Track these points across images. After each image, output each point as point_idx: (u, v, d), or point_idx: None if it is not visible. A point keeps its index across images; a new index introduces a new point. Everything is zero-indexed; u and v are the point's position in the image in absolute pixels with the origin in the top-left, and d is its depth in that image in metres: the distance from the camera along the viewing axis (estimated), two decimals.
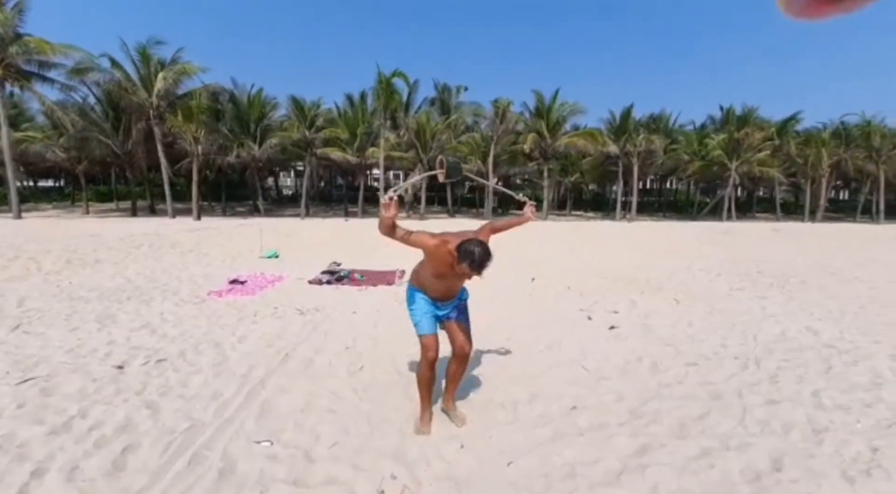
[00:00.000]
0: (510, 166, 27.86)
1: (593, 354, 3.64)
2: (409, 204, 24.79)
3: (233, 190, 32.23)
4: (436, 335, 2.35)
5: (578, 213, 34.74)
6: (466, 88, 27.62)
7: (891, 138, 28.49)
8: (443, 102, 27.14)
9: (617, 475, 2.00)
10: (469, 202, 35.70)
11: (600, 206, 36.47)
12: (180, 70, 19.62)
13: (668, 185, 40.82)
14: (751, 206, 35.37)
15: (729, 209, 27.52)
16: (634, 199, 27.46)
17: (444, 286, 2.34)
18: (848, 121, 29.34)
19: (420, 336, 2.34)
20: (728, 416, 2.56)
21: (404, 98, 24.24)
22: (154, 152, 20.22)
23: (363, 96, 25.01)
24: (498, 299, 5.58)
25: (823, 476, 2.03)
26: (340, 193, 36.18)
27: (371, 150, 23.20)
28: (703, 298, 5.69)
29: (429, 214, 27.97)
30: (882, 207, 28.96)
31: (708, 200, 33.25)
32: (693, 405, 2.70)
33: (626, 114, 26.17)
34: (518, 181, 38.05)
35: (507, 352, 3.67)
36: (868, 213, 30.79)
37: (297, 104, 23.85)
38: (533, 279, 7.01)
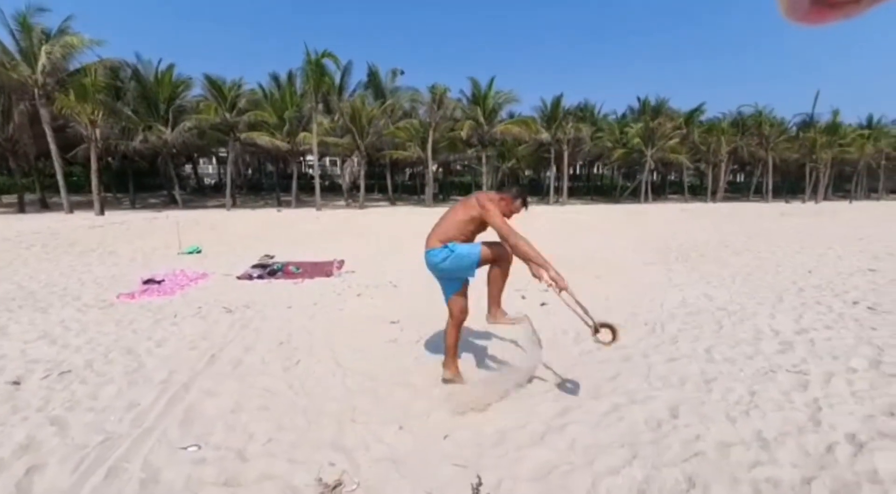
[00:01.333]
0: (449, 153, 28.02)
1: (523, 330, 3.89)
2: (347, 192, 23.95)
3: (143, 179, 28.82)
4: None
5: None
6: (403, 72, 27.04)
7: (778, 127, 33.08)
8: (377, 85, 26.36)
9: (541, 436, 2.21)
10: (409, 190, 35.45)
11: (536, 191, 38.13)
12: (68, 43, 16.92)
13: (595, 170, 43.72)
14: (664, 189, 39.18)
15: (646, 192, 30.28)
16: (565, 184, 29.12)
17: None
18: (744, 111, 33.49)
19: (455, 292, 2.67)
20: (635, 374, 2.92)
21: (336, 81, 23.16)
22: (43, 138, 17.39)
23: (291, 78, 23.47)
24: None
25: (711, 419, 2.40)
26: (271, 181, 34.01)
27: (303, 135, 21.98)
28: (621, 272, 6.29)
29: (368, 202, 27.37)
30: (770, 187, 33.68)
31: (629, 184, 36.21)
32: (607, 368, 3.03)
33: (557, 103, 27.44)
34: (458, 167, 38.47)
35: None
36: (759, 193, 35.62)
37: (214, 84, 21.75)
38: None
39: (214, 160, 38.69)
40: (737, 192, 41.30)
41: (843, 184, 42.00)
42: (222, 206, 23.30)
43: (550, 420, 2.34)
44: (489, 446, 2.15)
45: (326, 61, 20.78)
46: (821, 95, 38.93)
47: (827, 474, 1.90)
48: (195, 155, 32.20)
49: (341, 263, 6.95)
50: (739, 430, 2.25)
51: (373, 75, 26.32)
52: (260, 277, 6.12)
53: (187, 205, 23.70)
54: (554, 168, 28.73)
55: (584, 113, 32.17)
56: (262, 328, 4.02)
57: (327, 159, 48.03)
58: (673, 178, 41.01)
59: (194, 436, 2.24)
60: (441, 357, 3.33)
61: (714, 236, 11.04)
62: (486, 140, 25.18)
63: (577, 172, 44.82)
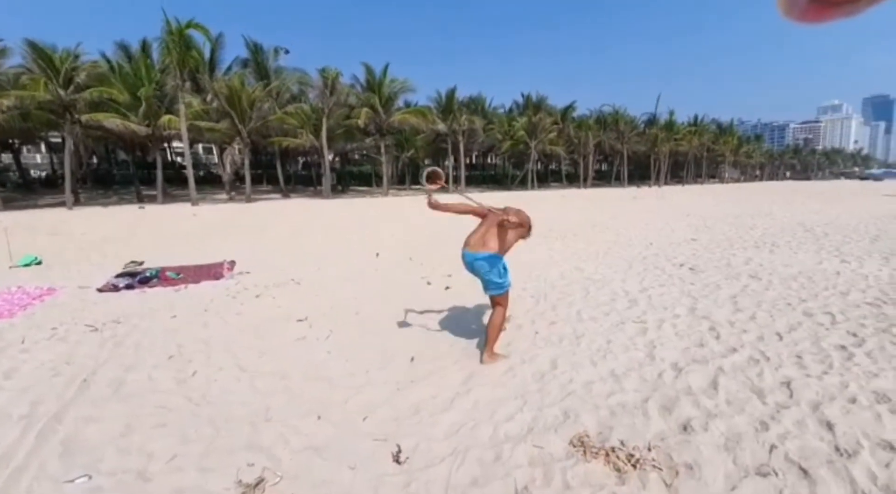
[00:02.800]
0: (346, 141, 27.07)
1: (431, 313, 4.18)
2: (229, 184, 21.49)
3: None
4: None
5: (417, 187, 36.56)
6: (287, 51, 24.98)
7: (630, 124, 39.30)
8: (260, 65, 23.95)
9: (450, 401, 2.51)
10: (305, 180, 33.33)
11: None
12: None
13: (489, 160, 46.61)
14: (547, 177, 43.77)
15: (532, 181, 33.48)
16: (462, 173, 30.53)
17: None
18: (605, 110, 38.96)
19: (508, 290, 3.13)
20: (523, 338, 3.43)
21: (206, 56, 20.40)
22: None
23: (145, 48, 19.97)
24: (345, 278, 5.67)
25: (580, 365, 2.97)
26: (126, 172, 28.75)
27: (167, 118, 18.97)
28: (510, 253, 7.02)
29: (257, 195, 25.06)
30: (626, 175, 40.02)
31: (518, 173, 39.53)
32: (503, 336, 3.48)
33: (451, 95, 28.44)
34: (356, 157, 37.37)
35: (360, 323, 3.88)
36: (619, 179, 42.03)
37: (41, 54, 17.37)
38: (377, 255, 7.32)
39: (44, 147, 31.06)
40: (602, 179, 48.17)
41: (678, 171, 51.97)
42: (60, 204, 19.03)
43: (458, 387, 2.66)
44: (405, 418, 2.37)
45: (192, 32, 18.15)
46: (661, 97, 47.46)
47: (658, 393, 2.56)
48: (15, 142, 25.41)
49: (232, 263, 6.41)
50: (599, 370, 2.86)
51: (254, 53, 23.84)
52: (129, 287, 5.33)
53: (10, 205, 18.78)
54: (451, 158, 29.86)
55: (476, 105, 33.95)
56: (143, 342, 3.59)
57: (201, 147, 42.20)
58: (554, 167, 45.96)
59: (81, 466, 2.00)
60: (358, 346, 3.42)
61: (584, 217, 12.87)
62: (384, 129, 24.93)
63: (473, 161, 47.24)
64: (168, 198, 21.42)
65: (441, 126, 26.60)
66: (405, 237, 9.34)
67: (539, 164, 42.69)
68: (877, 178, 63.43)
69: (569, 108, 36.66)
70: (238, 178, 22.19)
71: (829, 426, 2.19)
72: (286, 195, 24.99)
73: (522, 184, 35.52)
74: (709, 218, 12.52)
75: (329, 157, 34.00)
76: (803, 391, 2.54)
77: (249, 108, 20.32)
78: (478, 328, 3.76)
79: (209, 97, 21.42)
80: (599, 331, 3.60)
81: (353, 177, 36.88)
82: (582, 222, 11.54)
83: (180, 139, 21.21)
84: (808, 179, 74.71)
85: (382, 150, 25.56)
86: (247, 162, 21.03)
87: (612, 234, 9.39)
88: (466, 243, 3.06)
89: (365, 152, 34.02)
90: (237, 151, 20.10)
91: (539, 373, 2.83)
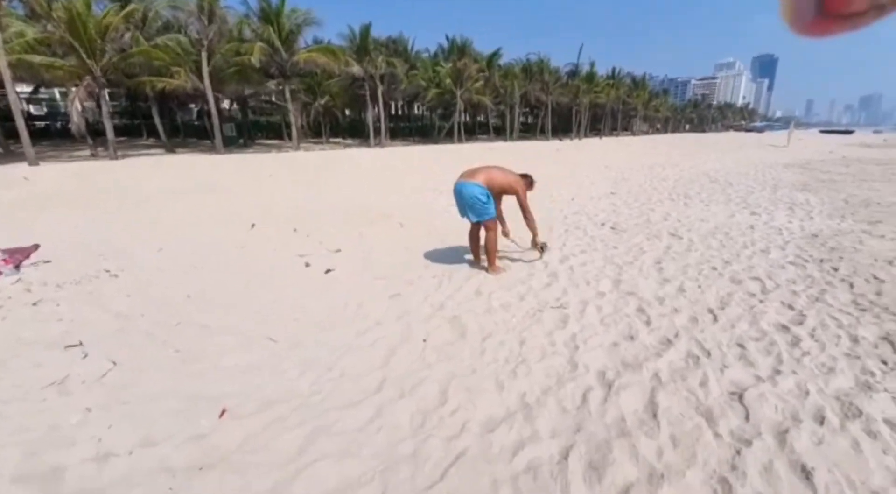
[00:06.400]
0: (241, 84, 22.96)
1: (305, 306, 3.04)
2: (84, 136, 16.81)
3: None
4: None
5: (336, 140, 33.35)
6: None
7: (555, 75, 38.89)
8: None
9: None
10: (199, 132, 28.39)
11: (358, 132, 35.99)
12: None
13: (415, 110, 43.88)
14: (475, 129, 42.56)
15: (460, 133, 32.11)
16: (383, 124, 28.11)
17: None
18: (530, 59, 37.90)
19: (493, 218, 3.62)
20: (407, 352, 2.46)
21: None
22: None
23: None
24: (190, 265, 4.21)
25: (480, 391, 2.10)
26: None
27: None
28: (423, 220, 5.99)
29: (132, 149, 20.74)
30: (550, 128, 40.24)
31: (445, 124, 37.78)
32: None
33: (366, 33, 25.18)
34: (264, 105, 32.59)
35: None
36: (543, 132, 42.26)
37: None
38: (253, 226, 5.81)
39: None
40: (528, 132, 48.28)
41: (596, 124, 53.84)
42: None
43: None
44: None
45: None
46: (584, 48, 47.43)
47: (582, 436, 1.77)
48: None
49: (19, 251, 4.53)
50: (505, 399, 2.00)
51: None
52: None
53: None
54: (371, 107, 27.16)
55: (396, 47, 30.84)
56: None
57: (57, 91, 33.80)
58: (481, 120, 44.74)
59: None
60: (146, 396, 2.17)
61: None
62: (287, 70, 21.43)
63: (398, 112, 44.17)
64: (9, 157, 16.66)
65: (356, 68, 23.57)
66: (299, 202, 7.78)
67: (466, 115, 41.17)
68: (759, 130, 72.48)
69: (494, 54, 34.91)
70: (91, 130, 17.68)
71: (807, 474, 1.55)
72: (170, 150, 20.87)
73: (449, 136, 34.01)
74: (625, 169, 12.51)
75: (225, 104, 29.12)
76: (760, 407, 1.91)
77: (100, 38, 15.79)
78: (365, 328, 2.71)
79: (47, 25, 16.28)
80: (510, 326, 2.76)
81: (260, 128, 32.31)
82: None
83: (16, 81, 16.17)
84: (703, 131, 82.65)
85: (288, 95, 22.10)
86: (105, 109, 16.70)
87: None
88: (462, 176, 3.66)
89: (271, 99, 29.60)
90: (86, 95, 15.73)
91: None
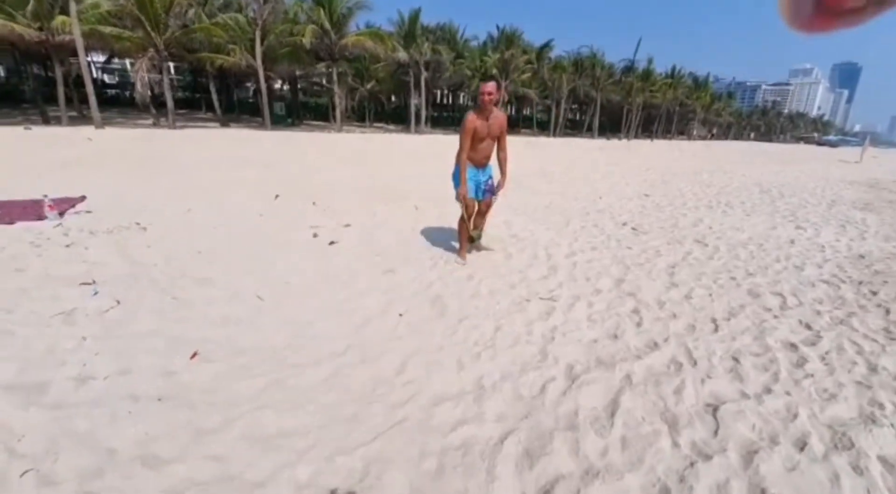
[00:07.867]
0: (292, 65, 23.73)
1: (301, 272, 3.14)
2: (146, 106, 18.10)
3: None
4: (475, 200, 3.54)
5: (379, 125, 33.87)
6: None
7: (607, 71, 37.17)
8: None
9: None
10: (253, 109, 29.80)
11: (402, 119, 36.31)
12: None
13: (460, 101, 43.55)
14: (518, 123, 41.66)
15: None
16: (424, 111, 28.13)
17: (482, 152, 3.41)
18: (582, 52, 36.42)
19: (466, 199, 3.39)
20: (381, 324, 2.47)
21: None
22: None
23: None
24: (213, 225, 4.44)
25: (439, 367, 2.08)
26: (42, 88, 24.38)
27: (61, 19, 15.42)
28: (438, 204, 5.96)
29: (190, 122, 22.08)
30: (597, 126, 38.64)
31: None
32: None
33: (414, 18, 25.14)
34: (314, 87, 33.61)
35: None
36: (591, 130, 40.70)
37: None
38: (277, 196, 6.03)
39: None
40: (574, 129, 46.67)
41: (649, 126, 51.14)
42: None
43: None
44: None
45: None
46: (642, 43, 44.97)
47: (527, 424, 1.71)
48: None
49: (66, 201, 4.96)
50: (462, 378, 1.96)
51: None
52: None
53: None
54: (414, 93, 27.24)
55: (445, 34, 30.62)
56: None
57: (128, 63, 36.52)
58: (526, 113, 43.73)
59: None
60: (133, 334, 2.33)
61: (539, 166, 11.83)
62: (335, 53, 21.89)
63: (443, 101, 44.01)
64: (81, 120, 18.28)
65: (402, 54, 23.69)
66: (322, 178, 7.99)
67: (511, 107, 40.35)
68: (832, 144, 65.84)
69: (545, 46, 33.80)
70: (156, 102, 18.98)
71: None
72: (224, 124, 22.06)
73: None
74: (667, 173, 11.82)
75: (277, 84, 30.26)
76: (734, 422, 1.75)
77: (165, 13, 16.83)
78: (354, 303, 2.75)
79: None
80: (492, 312, 2.70)
81: (309, 109, 33.43)
82: (535, 172, 10.50)
83: (89, 50, 17.67)
84: (769, 141, 76.40)
85: (335, 77, 22.62)
86: (166, 81, 17.86)
87: (559, 185, 8.44)
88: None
89: (321, 82, 30.43)
90: (151, 66, 16.89)
91: (375, 381, 1.90)
